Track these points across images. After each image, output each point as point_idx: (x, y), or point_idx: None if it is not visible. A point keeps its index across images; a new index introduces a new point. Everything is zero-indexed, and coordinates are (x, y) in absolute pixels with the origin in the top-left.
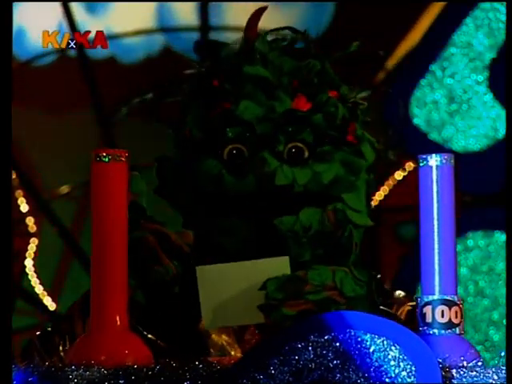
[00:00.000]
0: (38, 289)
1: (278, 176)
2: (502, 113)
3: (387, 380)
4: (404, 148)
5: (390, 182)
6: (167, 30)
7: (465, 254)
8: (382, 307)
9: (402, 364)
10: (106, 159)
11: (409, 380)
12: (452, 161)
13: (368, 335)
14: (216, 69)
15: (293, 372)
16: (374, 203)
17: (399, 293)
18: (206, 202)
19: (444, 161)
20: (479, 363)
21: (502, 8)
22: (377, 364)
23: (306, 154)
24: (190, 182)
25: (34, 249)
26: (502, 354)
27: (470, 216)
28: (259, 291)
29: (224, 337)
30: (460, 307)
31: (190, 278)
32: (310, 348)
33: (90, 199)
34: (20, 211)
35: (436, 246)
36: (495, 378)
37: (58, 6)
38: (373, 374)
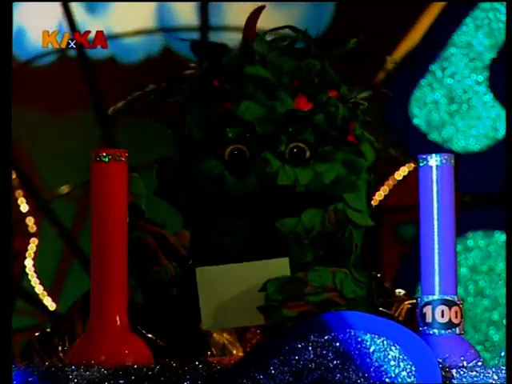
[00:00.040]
0: (38, 289)
1: (280, 176)
2: (502, 113)
3: (387, 380)
4: (404, 147)
5: (390, 182)
6: (167, 29)
7: (465, 254)
8: (381, 309)
9: (402, 364)
10: (106, 159)
11: (409, 380)
12: (452, 161)
13: (368, 335)
14: (216, 69)
15: (293, 372)
16: (373, 203)
17: (399, 291)
18: (207, 202)
19: (444, 161)
20: (479, 363)
21: (502, 8)
22: (377, 364)
23: (308, 154)
24: (190, 183)
25: (34, 249)
26: (502, 354)
27: (469, 216)
28: (259, 292)
29: (225, 336)
30: (460, 307)
31: (189, 279)
32: (310, 348)
33: (90, 199)
34: (20, 211)
35: (436, 246)
36: (495, 378)
37: (58, 5)
38: (373, 374)
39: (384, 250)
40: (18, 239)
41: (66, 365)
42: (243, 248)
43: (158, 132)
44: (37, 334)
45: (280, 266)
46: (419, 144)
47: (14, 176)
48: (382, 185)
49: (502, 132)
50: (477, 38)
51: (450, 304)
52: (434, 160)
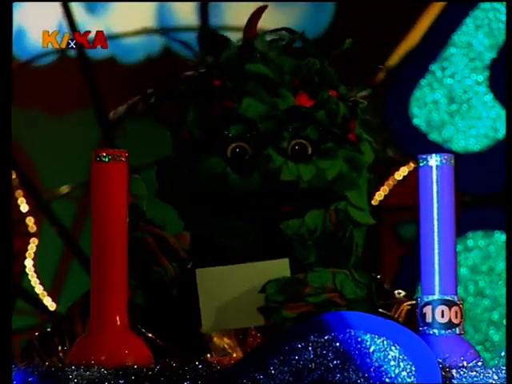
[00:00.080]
0: (38, 289)
1: (283, 172)
2: (502, 113)
3: (387, 380)
4: (402, 148)
5: (390, 182)
6: (167, 29)
7: (465, 254)
8: (381, 310)
9: (402, 364)
10: (106, 159)
11: (409, 380)
12: (452, 161)
13: (368, 335)
14: (216, 67)
15: (293, 372)
16: (373, 203)
17: (399, 292)
18: (209, 203)
19: (444, 161)
20: (479, 363)
21: (502, 8)
22: (377, 364)
23: (310, 150)
24: (191, 183)
25: (34, 249)
26: (502, 354)
27: (469, 216)
28: (259, 294)
29: (226, 340)
30: (460, 307)
31: (189, 280)
32: (310, 348)
33: (90, 199)
34: (20, 211)
35: (436, 245)
36: (495, 378)
37: (58, 5)
38: (373, 374)
39: (384, 250)
40: (18, 239)
41: (66, 365)
42: (247, 249)
43: (158, 132)
44: (37, 333)
45: (280, 267)
46: (419, 144)
47: (14, 176)
48: (382, 185)
49: (502, 132)
50: (477, 38)
51: (450, 304)
52: (434, 160)
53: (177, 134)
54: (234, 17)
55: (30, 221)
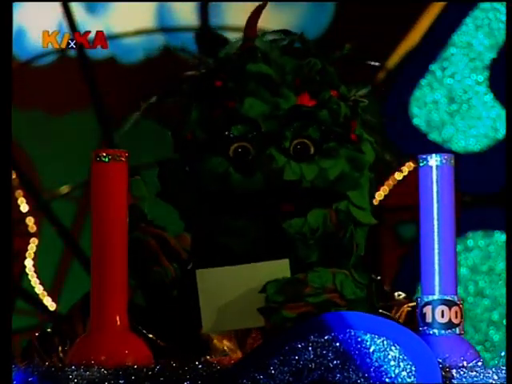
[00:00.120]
0: (38, 289)
1: (286, 172)
2: (502, 113)
3: (387, 380)
4: (400, 150)
5: (390, 182)
6: (167, 30)
7: (465, 254)
8: (381, 310)
9: (402, 364)
10: (106, 159)
11: (409, 380)
12: (452, 161)
13: (368, 335)
14: (218, 68)
15: (293, 372)
16: (374, 203)
17: (399, 294)
18: (211, 202)
19: (444, 161)
20: (479, 363)
21: (502, 8)
22: (377, 364)
23: (312, 150)
24: (193, 183)
25: (34, 249)
26: (502, 354)
27: (469, 216)
28: (259, 294)
29: (226, 342)
30: (460, 307)
31: (189, 281)
32: (310, 348)
33: (90, 199)
34: (20, 211)
35: (436, 245)
36: (495, 378)
37: (58, 5)
38: (373, 374)
39: (384, 250)
40: (18, 239)
41: (66, 365)
42: (249, 248)
43: (158, 132)
44: (37, 334)
45: (280, 268)
46: (419, 144)
47: (14, 176)
48: (382, 185)
49: (502, 132)
50: (477, 38)
51: (450, 304)
52: (434, 160)
53: (178, 134)
54: (234, 17)
55: (30, 221)
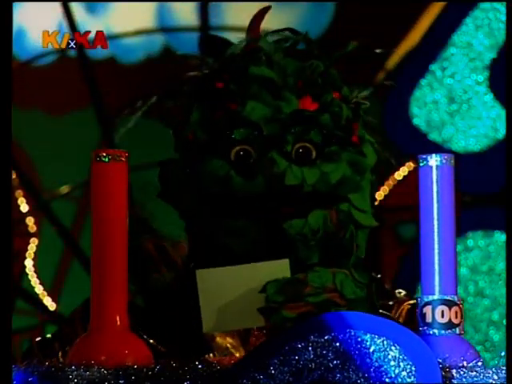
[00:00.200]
0: (38, 289)
1: (287, 176)
2: (502, 113)
3: (387, 380)
4: (400, 150)
5: (390, 182)
6: (167, 29)
7: (465, 254)
8: (381, 310)
9: (402, 364)
10: (106, 159)
11: (409, 380)
12: (452, 161)
13: (368, 335)
14: (221, 70)
15: (293, 372)
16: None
17: (399, 291)
18: (213, 204)
19: (444, 161)
20: (479, 363)
21: (502, 8)
22: (377, 364)
23: (314, 154)
24: (194, 184)
25: (34, 249)
26: (502, 354)
27: (469, 216)
28: (259, 294)
29: (229, 339)
30: (460, 307)
31: (188, 288)
32: (310, 348)
33: (90, 199)
34: (20, 211)
35: (436, 246)
36: (495, 378)
37: (58, 5)
38: (373, 374)
39: (384, 250)
40: (18, 239)
41: (66, 365)
42: (250, 249)
43: (158, 132)
44: (38, 339)
45: (280, 268)
46: (419, 144)
47: (14, 176)
48: (382, 185)
49: (502, 132)
50: (477, 38)
51: (450, 304)
52: (434, 160)
53: (180, 135)
54: (233, 17)
55: (30, 221)
